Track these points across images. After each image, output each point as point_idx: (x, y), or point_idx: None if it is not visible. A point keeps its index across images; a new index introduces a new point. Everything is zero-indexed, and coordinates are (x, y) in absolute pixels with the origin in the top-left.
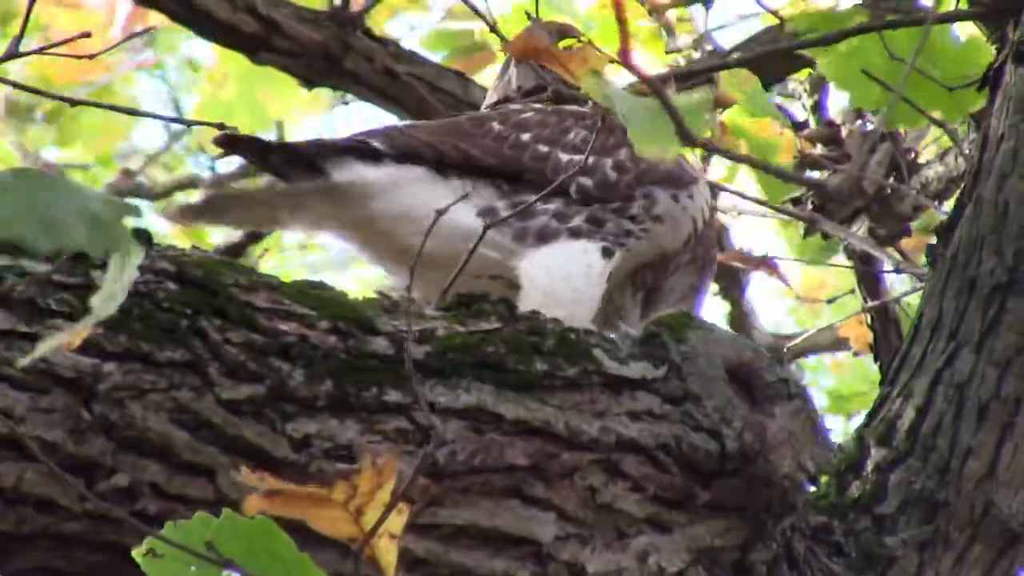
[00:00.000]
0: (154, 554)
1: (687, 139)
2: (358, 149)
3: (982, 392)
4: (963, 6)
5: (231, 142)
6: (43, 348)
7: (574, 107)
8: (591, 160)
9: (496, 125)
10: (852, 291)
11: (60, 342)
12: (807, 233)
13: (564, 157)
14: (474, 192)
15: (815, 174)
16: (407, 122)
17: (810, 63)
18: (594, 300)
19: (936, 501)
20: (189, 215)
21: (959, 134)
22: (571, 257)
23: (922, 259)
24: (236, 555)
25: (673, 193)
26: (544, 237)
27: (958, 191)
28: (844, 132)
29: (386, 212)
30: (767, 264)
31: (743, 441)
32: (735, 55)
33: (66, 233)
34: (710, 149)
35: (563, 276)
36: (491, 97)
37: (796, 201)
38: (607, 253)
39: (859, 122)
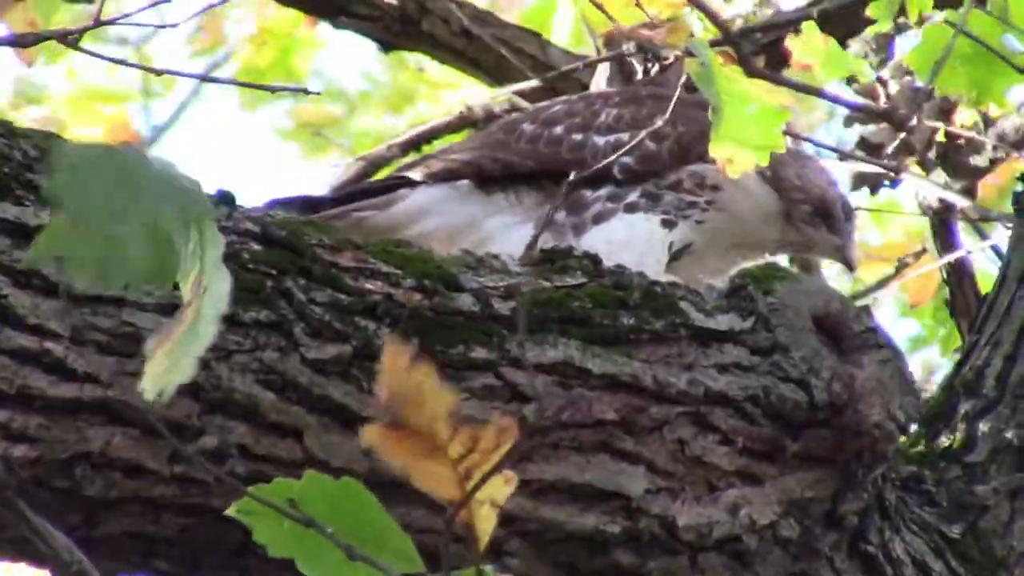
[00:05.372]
0: (245, 514)
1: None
2: (396, 186)
3: None
4: None
5: (283, 204)
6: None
7: (596, 90)
8: (625, 137)
9: (527, 126)
10: (924, 250)
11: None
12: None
13: (600, 140)
14: (518, 203)
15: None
16: (441, 147)
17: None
18: (660, 264)
19: None
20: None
21: None
22: (630, 224)
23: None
24: (320, 515)
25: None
26: (600, 218)
27: None
28: (893, 89)
29: (430, 231)
30: None
31: (832, 391)
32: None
33: (156, 212)
34: (799, 88)
35: (623, 242)
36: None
37: (843, 157)
38: (668, 224)
39: (907, 78)
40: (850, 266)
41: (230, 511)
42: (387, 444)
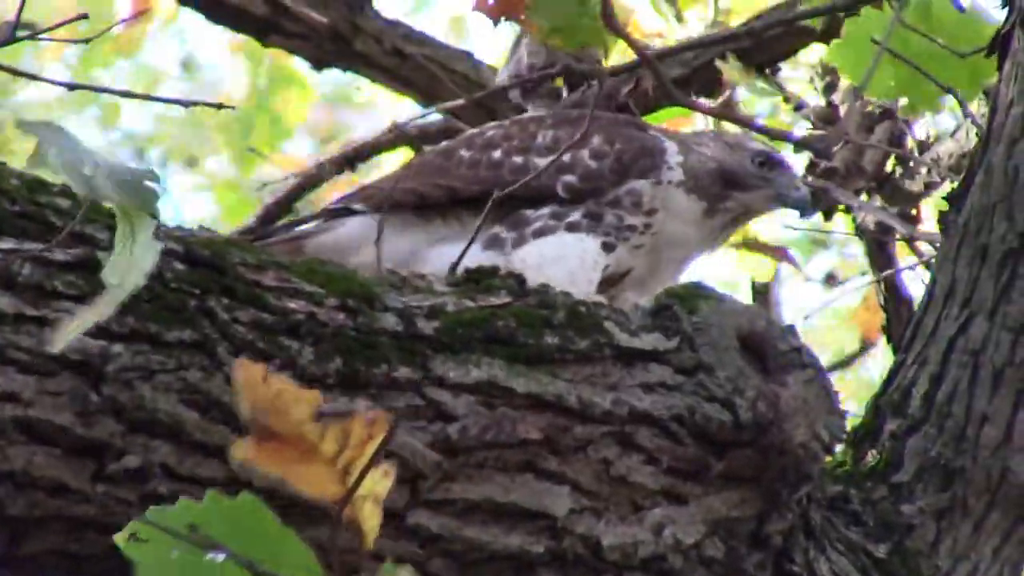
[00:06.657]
0: (136, 538)
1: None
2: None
3: (996, 358)
4: None
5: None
6: (73, 328)
7: (530, 113)
8: (567, 157)
9: (464, 153)
10: (863, 273)
11: (93, 317)
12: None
13: (541, 162)
14: (461, 229)
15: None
16: (379, 177)
17: (818, 37)
18: (591, 284)
19: (953, 468)
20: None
21: (971, 106)
22: (566, 243)
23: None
24: (221, 536)
25: (654, 179)
26: (542, 233)
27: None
28: (842, 111)
29: (365, 262)
30: (783, 254)
31: (756, 411)
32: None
33: (99, 185)
34: (717, 115)
35: (555, 258)
36: (501, 77)
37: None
38: (608, 247)
39: (859, 102)
40: (798, 206)
41: (118, 539)
42: (260, 456)
